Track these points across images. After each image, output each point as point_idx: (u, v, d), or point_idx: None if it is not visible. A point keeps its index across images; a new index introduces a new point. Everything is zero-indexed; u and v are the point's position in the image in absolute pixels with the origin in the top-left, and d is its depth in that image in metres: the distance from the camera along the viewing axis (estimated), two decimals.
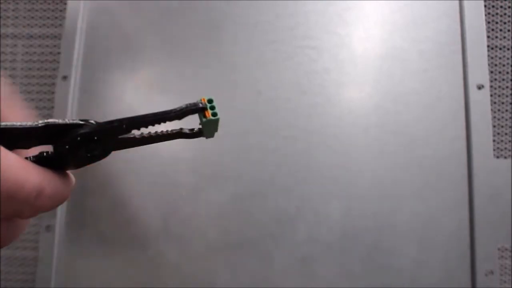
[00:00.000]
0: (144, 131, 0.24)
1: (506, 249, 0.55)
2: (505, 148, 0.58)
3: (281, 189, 0.57)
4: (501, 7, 0.61)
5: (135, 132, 0.24)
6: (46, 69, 0.64)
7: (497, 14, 0.61)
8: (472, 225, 0.56)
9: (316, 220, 0.57)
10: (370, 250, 0.56)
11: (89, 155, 0.22)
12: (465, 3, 0.60)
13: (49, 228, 0.58)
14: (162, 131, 0.25)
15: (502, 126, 0.59)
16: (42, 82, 0.63)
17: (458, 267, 0.55)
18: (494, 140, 0.58)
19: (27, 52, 0.64)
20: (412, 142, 0.58)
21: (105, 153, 0.23)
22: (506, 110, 0.59)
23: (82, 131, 0.21)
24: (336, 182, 0.57)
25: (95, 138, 0.21)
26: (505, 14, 0.61)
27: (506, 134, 0.58)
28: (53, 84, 0.62)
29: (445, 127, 0.58)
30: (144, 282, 0.56)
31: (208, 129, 0.25)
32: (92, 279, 0.57)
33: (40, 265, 0.58)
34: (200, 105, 0.24)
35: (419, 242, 0.56)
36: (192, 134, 0.28)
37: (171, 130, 0.25)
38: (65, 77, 0.61)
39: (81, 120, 0.21)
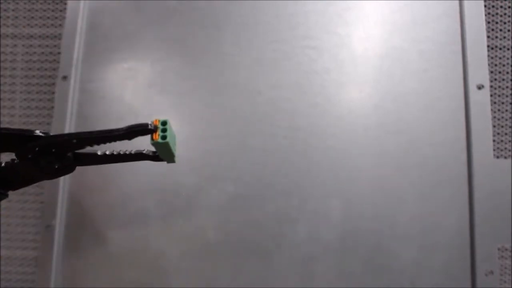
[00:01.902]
0: (108, 150, 0.25)
1: (506, 249, 0.56)
2: (505, 148, 0.58)
3: (281, 189, 0.57)
4: (501, 7, 0.61)
5: (99, 151, 0.24)
6: (46, 69, 0.64)
7: (497, 14, 0.61)
8: (472, 225, 0.56)
9: (316, 220, 0.57)
10: (370, 250, 0.56)
11: (53, 166, 0.22)
12: (465, 3, 0.60)
13: (49, 228, 0.58)
14: (125, 151, 0.25)
15: (502, 126, 0.59)
16: (42, 82, 0.64)
17: (458, 267, 0.55)
18: (494, 140, 0.58)
19: (27, 52, 0.64)
20: (412, 142, 0.58)
21: (67, 166, 0.23)
22: (506, 110, 0.59)
23: (39, 142, 0.21)
24: (336, 182, 0.57)
25: (53, 150, 0.21)
26: (505, 14, 0.61)
27: (506, 134, 0.58)
28: (53, 84, 0.63)
29: (445, 127, 0.58)
30: (144, 282, 0.56)
31: (161, 151, 0.25)
32: (92, 279, 0.57)
33: (40, 265, 0.58)
34: (149, 126, 0.24)
35: (419, 242, 0.56)
36: (153, 157, 0.28)
37: (134, 151, 0.25)
38: (65, 77, 0.61)
39: (42, 132, 0.22)
